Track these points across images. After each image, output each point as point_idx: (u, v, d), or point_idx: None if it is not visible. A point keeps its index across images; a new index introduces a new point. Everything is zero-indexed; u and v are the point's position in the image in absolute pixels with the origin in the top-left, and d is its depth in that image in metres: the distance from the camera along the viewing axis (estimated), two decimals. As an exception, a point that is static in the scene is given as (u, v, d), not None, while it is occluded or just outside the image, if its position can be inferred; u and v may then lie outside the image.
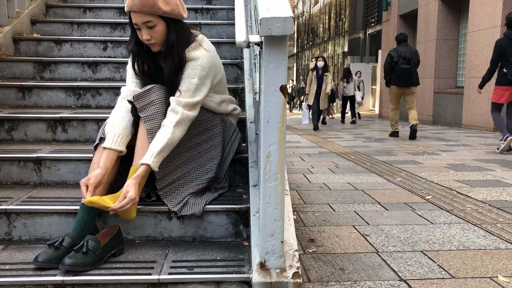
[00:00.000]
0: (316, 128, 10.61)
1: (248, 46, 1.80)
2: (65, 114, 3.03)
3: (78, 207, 2.18)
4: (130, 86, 2.42)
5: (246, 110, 2.97)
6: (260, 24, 1.68)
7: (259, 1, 1.86)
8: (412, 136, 7.69)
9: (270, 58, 1.75)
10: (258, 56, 1.97)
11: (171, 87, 2.31)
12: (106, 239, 2.05)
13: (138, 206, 2.22)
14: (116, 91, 3.39)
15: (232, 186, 2.59)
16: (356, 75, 15.17)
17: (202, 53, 2.33)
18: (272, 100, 1.77)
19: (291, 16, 1.68)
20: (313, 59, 14.35)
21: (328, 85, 10.79)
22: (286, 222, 2.05)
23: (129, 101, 2.28)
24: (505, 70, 5.78)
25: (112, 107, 3.44)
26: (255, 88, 2.05)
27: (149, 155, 2.14)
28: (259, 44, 1.77)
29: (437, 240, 2.51)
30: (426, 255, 2.30)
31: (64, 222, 2.25)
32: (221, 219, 2.28)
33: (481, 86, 6.19)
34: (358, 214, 3.04)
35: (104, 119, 2.97)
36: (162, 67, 2.33)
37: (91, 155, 2.50)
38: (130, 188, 2.07)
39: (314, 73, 10.78)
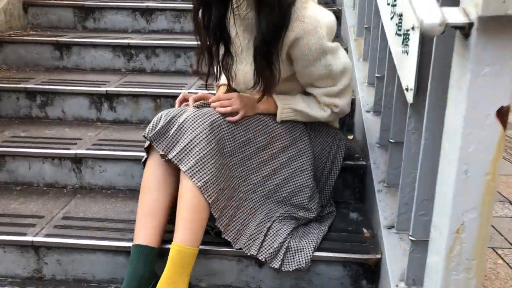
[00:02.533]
0: None
1: (443, 32, 0.96)
2: (113, 87, 2.31)
3: (130, 245, 1.51)
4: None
5: (358, 88, 2.13)
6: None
7: None
8: None
9: (486, 56, 0.91)
10: (435, 46, 1.13)
11: (262, 59, 1.49)
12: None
13: (213, 248, 1.53)
14: (177, 51, 2.61)
15: (340, 204, 1.83)
16: None
17: (320, 13, 1.50)
18: (480, 133, 0.95)
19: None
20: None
21: None
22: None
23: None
24: None
25: (172, 72, 2.72)
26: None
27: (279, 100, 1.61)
28: (462, 27, 0.93)
29: None
30: None
31: (111, 262, 1.60)
32: (335, 271, 1.56)
33: None
34: None
35: (164, 96, 2.23)
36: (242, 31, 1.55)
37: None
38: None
39: None
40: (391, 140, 1.57)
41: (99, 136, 2.12)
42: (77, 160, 1.92)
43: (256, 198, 1.57)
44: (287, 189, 1.62)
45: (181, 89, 2.32)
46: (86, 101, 2.28)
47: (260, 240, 1.52)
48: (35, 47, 2.66)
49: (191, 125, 1.44)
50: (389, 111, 1.62)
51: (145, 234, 1.47)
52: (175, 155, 1.42)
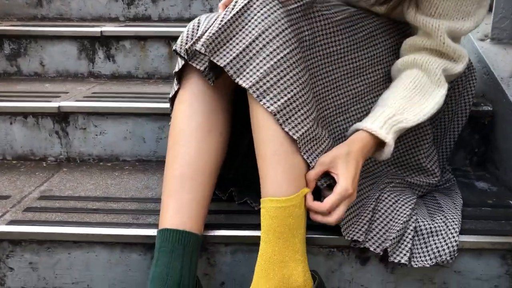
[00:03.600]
0: None
1: None
2: (110, 27, 1.69)
3: (152, 232, 0.90)
4: None
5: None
6: None
7: None
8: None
9: None
10: None
11: None
12: None
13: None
14: (192, -8, 2.00)
15: (457, 172, 1.23)
16: None
17: None
18: None
19: None
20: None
21: None
22: None
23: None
24: None
25: (186, 20, 2.11)
26: None
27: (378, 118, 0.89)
28: None
29: None
30: None
31: (119, 262, 0.98)
32: (486, 265, 0.96)
33: None
34: None
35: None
36: None
37: (162, 105, 1.24)
38: (341, 166, 0.83)
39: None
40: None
41: (94, 90, 1.50)
42: (62, 118, 1.30)
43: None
44: (397, 143, 1.02)
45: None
46: (74, 48, 1.66)
47: (367, 219, 0.92)
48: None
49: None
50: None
51: (180, 212, 0.85)
52: (247, 76, 0.81)
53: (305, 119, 0.82)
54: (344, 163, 0.83)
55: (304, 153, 0.82)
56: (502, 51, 1.29)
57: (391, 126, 0.87)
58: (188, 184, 0.87)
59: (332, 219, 0.82)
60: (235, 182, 1.08)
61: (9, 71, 1.69)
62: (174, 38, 1.62)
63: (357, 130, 0.89)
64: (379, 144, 0.88)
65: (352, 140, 0.87)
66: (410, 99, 0.91)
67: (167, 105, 1.28)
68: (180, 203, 0.86)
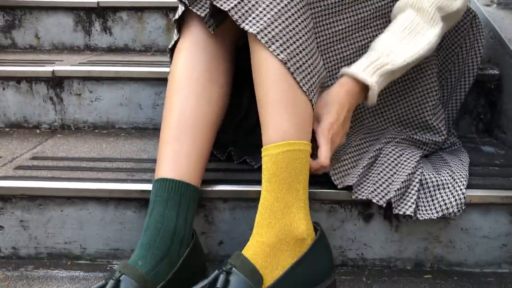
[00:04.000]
0: None
1: None
2: (107, -2, 1.66)
3: (147, 187, 0.87)
4: None
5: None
6: None
7: None
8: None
9: None
10: None
11: None
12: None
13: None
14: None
15: (463, 139, 1.20)
16: None
17: None
18: None
19: None
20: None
21: None
22: None
23: None
24: None
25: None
26: None
27: (363, 65, 0.85)
28: None
29: None
30: None
31: (113, 220, 0.94)
32: (494, 222, 0.92)
33: None
34: None
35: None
36: None
37: (159, 69, 1.21)
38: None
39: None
40: None
41: (90, 59, 1.47)
42: (57, 83, 1.27)
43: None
44: (403, 99, 0.99)
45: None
46: (70, 20, 1.63)
47: (364, 169, 0.89)
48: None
49: None
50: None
51: (177, 162, 0.82)
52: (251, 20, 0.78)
53: (313, 69, 0.79)
54: (326, 107, 0.81)
55: (314, 104, 0.79)
56: (509, 15, 1.26)
57: (375, 69, 0.84)
58: (186, 134, 0.83)
59: (317, 162, 0.80)
60: (233, 142, 1.05)
61: (3, 43, 1.66)
62: (172, 9, 1.59)
63: (342, 75, 0.87)
64: (366, 88, 0.86)
65: (337, 85, 0.85)
66: (400, 40, 0.88)
67: (165, 69, 1.25)
68: (177, 153, 0.82)
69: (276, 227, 0.75)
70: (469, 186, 0.90)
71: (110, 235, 0.95)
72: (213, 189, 0.91)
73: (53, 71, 1.25)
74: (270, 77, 0.77)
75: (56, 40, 1.64)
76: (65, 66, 1.30)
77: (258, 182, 0.92)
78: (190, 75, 0.86)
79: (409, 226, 0.93)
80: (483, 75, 1.21)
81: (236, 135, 1.05)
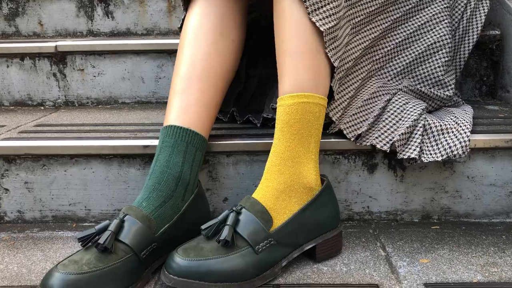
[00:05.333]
0: None
1: None
2: (108, -18, 1.68)
3: (151, 142, 0.87)
4: None
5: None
6: None
7: None
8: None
9: None
10: None
11: None
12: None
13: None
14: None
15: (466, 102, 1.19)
16: None
17: None
18: None
19: None
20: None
21: None
22: None
23: None
24: None
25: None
26: None
27: None
28: None
29: None
30: None
31: (117, 179, 0.94)
32: (500, 169, 0.91)
33: None
34: None
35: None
36: None
37: (161, 41, 1.22)
38: None
39: None
40: None
41: (93, 41, 1.48)
42: (59, 58, 1.28)
43: (367, 62, 0.95)
44: (413, 50, 0.99)
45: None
46: (72, 5, 1.64)
47: (371, 121, 0.88)
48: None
49: None
50: None
51: (185, 111, 0.82)
52: None
53: (334, 13, 0.79)
54: None
55: (329, 51, 0.79)
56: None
57: None
58: (196, 84, 0.83)
59: None
60: (236, 103, 1.05)
61: (8, 31, 1.67)
62: (174, -9, 1.60)
63: None
64: None
65: None
66: None
67: (167, 41, 1.26)
68: (186, 103, 0.82)
69: (286, 174, 0.75)
70: (473, 132, 0.90)
71: (114, 195, 0.95)
72: (217, 142, 0.91)
73: (56, 46, 1.27)
74: (289, 24, 0.78)
75: (59, 26, 1.66)
76: (68, 41, 1.31)
77: (262, 136, 0.92)
78: (202, 28, 0.86)
79: (414, 176, 0.92)
80: (484, 36, 1.20)
81: (236, 104, 1.05)
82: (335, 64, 0.80)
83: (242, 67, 1.03)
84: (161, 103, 1.30)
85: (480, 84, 1.25)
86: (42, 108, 1.30)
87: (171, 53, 1.27)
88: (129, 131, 1.00)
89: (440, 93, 0.99)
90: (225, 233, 0.69)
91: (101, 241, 0.67)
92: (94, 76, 1.29)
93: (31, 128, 1.05)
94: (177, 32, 1.50)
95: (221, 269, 0.68)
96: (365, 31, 0.92)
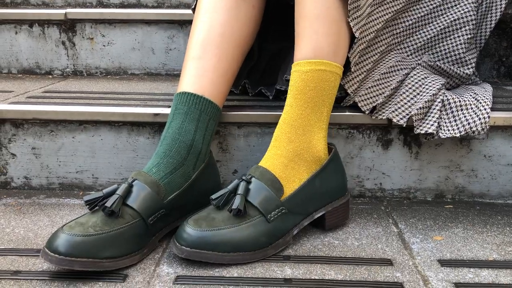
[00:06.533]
0: None
1: None
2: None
3: (161, 110, 0.85)
4: None
5: None
6: None
7: None
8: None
9: None
10: None
11: None
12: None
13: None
14: None
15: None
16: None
17: None
18: None
19: None
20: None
21: None
22: None
23: None
24: None
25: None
26: None
27: None
28: None
29: None
30: None
31: (126, 147, 0.92)
32: (521, 148, 0.89)
33: None
34: None
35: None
36: None
37: (173, 11, 1.20)
38: None
39: None
40: None
41: (103, 9, 1.45)
42: (69, 26, 1.26)
43: (387, 35, 0.92)
44: (435, 25, 0.96)
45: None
46: (82, -26, 1.61)
47: (388, 93, 0.86)
48: None
49: None
50: None
51: (200, 78, 0.80)
52: None
53: (363, 5, 0.76)
54: None
55: (352, 20, 0.76)
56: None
57: None
58: (212, 50, 0.81)
59: None
60: (248, 75, 1.02)
61: (17, 1, 1.65)
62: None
63: None
64: None
65: None
66: None
67: (178, 11, 1.23)
68: (201, 69, 0.80)
69: (296, 142, 0.73)
70: (492, 109, 0.87)
71: (122, 164, 0.93)
72: (228, 113, 0.89)
73: (65, 14, 1.24)
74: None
75: (69, -4, 1.63)
76: (78, 9, 1.28)
77: (274, 108, 0.90)
78: None
79: (430, 154, 0.90)
80: (506, 15, 1.17)
81: (248, 77, 1.03)
82: (356, 35, 0.77)
83: (255, 40, 1.00)
84: (171, 75, 1.27)
85: (499, 65, 1.22)
86: (50, 76, 1.28)
87: (182, 24, 1.24)
88: (139, 100, 0.98)
89: (460, 71, 0.96)
90: (237, 202, 0.68)
91: (108, 204, 0.65)
92: (104, 46, 1.27)
93: (39, 94, 1.04)
94: (188, 5, 1.47)
95: (234, 238, 0.66)
96: (388, 3, 0.89)
